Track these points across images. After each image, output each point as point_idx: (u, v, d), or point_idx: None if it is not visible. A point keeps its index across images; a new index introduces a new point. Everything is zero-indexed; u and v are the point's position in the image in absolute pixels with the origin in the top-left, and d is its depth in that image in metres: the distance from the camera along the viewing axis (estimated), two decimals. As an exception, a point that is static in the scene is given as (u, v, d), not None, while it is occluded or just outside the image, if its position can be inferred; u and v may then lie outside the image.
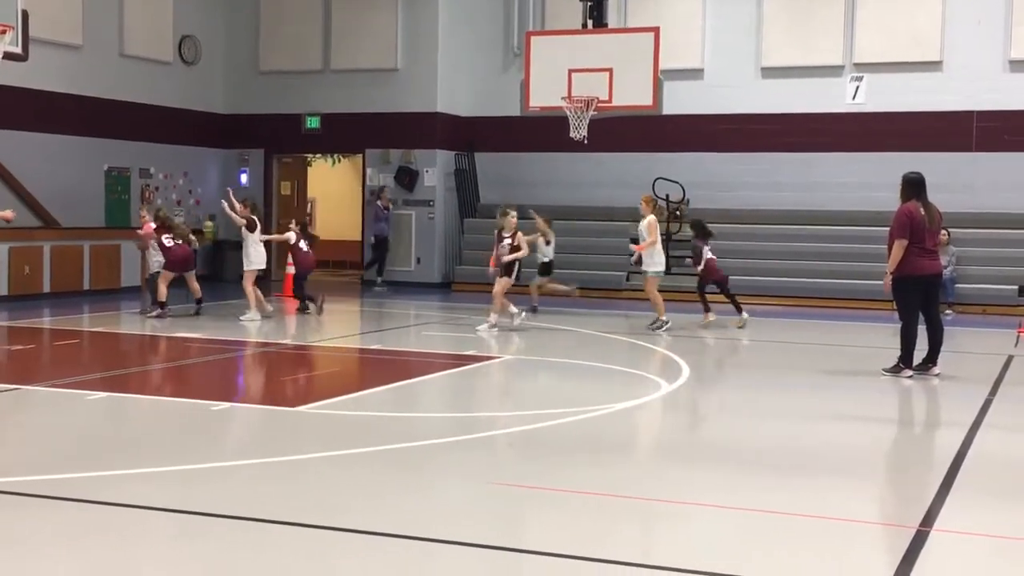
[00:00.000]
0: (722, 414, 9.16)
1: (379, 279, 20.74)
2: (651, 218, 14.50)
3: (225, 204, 15.29)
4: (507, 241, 14.24)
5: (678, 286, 19.61)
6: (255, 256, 14.80)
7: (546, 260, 16.51)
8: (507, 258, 14.10)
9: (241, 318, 14.47)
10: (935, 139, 18.94)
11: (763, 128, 20.13)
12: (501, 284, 14.13)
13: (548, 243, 16.34)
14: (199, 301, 15.16)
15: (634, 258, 15.12)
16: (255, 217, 14.98)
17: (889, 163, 18.27)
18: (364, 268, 21.52)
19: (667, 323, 14.23)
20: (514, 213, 14.45)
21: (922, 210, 10.56)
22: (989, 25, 18.98)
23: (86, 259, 18.29)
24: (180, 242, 15.04)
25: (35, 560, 5.08)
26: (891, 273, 10.61)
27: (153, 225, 15.17)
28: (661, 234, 19.67)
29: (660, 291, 14.65)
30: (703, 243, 15.31)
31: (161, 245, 14.92)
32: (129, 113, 20.19)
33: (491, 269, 14.65)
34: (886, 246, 10.79)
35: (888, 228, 10.78)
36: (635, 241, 14.96)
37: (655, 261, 14.57)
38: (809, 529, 5.76)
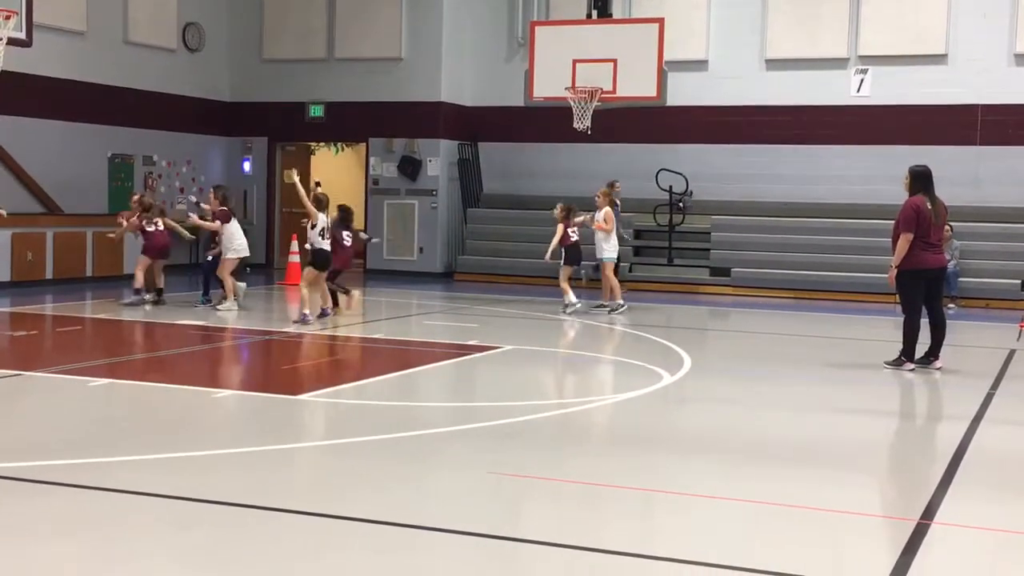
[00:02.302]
0: (723, 405, 9.16)
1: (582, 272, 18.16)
2: (607, 210, 15.13)
3: (194, 216, 14.98)
4: (570, 230, 15.30)
5: (679, 277, 19.65)
6: (234, 244, 14.37)
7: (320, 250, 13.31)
8: (552, 245, 15.31)
9: (219, 308, 14.26)
10: (939, 132, 18.91)
11: (767, 120, 20.10)
12: (563, 272, 15.26)
13: (313, 227, 13.18)
14: (160, 291, 15.08)
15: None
16: (227, 208, 14.54)
17: (893, 156, 18.24)
18: (595, 269, 19.52)
19: (623, 306, 15.02)
20: (559, 206, 15.43)
21: (928, 204, 10.54)
22: (994, 18, 18.93)
23: (89, 246, 18.29)
24: (161, 229, 15.04)
25: (35, 546, 5.08)
26: (895, 267, 10.60)
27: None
28: (663, 226, 19.87)
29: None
30: (346, 230, 13.88)
31: (144, 232, 14.94)
32: (133, 100, 20.17)
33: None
34: (891, 239, 10.78)
35: (893, 221, 10.76)
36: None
37: (610, 248, 15.20)
38: (809, 521, 5.76)
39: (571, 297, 15.12)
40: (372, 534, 5.37)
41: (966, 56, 19.04)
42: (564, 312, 14.95)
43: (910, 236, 10.45)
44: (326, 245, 13.19)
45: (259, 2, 22.36)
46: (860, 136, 19.58)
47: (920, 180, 10.67)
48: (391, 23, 21.40)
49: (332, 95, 21.86)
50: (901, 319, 10.82)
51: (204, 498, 5.79)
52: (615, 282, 15.26)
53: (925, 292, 10.68)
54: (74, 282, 17.73)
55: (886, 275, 10.93)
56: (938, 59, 19.24)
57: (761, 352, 12.61)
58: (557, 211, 15.35)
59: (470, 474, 6.59)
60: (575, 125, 16.62)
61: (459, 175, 21.75)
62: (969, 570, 5.19)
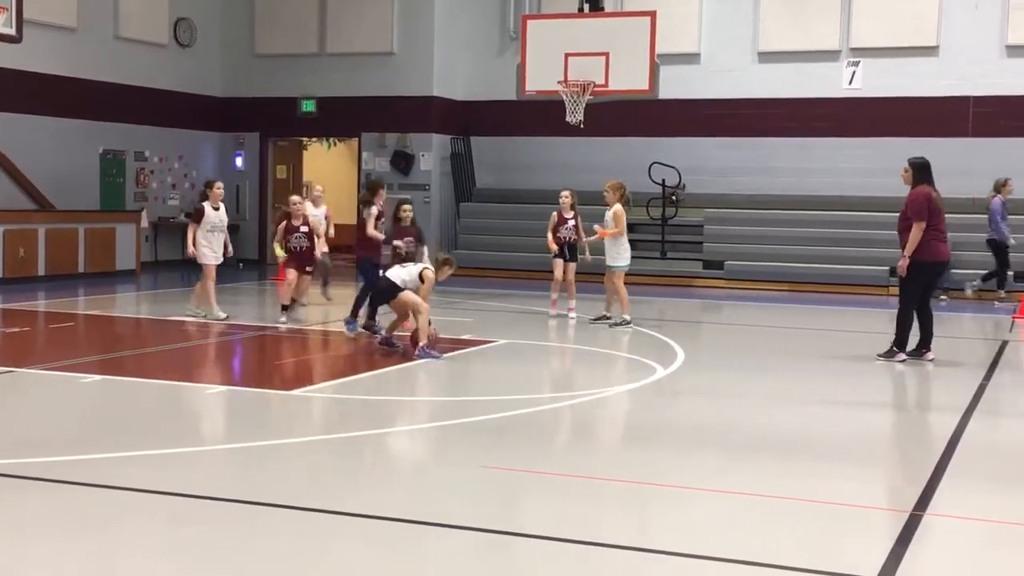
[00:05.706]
0: (716, 399, 9.17)
1: (1002, 292, 16.85)
2: (617, 207, 13.29)
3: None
4: (571, 223, 13.92)
5: (672, 271, 19.66)
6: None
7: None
8: (592, 238, 13.60)
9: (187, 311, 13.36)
10: (931, 124, 18.93)
11: (759, 113, 20.12)
12: (572, 269, 13.90)
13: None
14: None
15: (586, 238, 13.77)
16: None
17: (885, 148, 18.29)
18: (983, 279, 17.01)
19: (629, 321, 13.16)
20: (566, 193, 14.01)
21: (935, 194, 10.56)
22: (986, 10, 18.98)
23: (81, 242, 18.25)
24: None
25: (29, 543, 5.07)
26: (908, 256, 10.48)
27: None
28: (656, 219, 19.86)
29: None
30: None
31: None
32: (124, 96, 20.13)
33: (553, 252, 13.95)
34: (897, 230, 10.72)
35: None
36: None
37: (621, 255, 13.40)
38: (803, 513, 5.77)
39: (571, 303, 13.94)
40: (368, 529, 5.37)
41: (958, 48, 19.08)
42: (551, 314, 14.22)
43: (923, 225, 10.37)
44: None
45: (250, -3, 22.32)
46: (852, 128, 19.60)
47: (923, 171, 10.67)
48: (383, 17, 21.38)
49: (324, 90, 21.84)
50: (894, 311, 10.82)
51: (199, 494, 5.78)
52: (624, 293, 13.33)
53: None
54: (66, 278, 17.69)
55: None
56: (930, 51, 19.26)
57: (754, 345, 12.62)
58: (570, 197, 13.99)
59: (465, 468, 6.59)
60: (568, 119, 16.59)
61: (452, 169, 21.75)
62: (962, 561, 5.20)
